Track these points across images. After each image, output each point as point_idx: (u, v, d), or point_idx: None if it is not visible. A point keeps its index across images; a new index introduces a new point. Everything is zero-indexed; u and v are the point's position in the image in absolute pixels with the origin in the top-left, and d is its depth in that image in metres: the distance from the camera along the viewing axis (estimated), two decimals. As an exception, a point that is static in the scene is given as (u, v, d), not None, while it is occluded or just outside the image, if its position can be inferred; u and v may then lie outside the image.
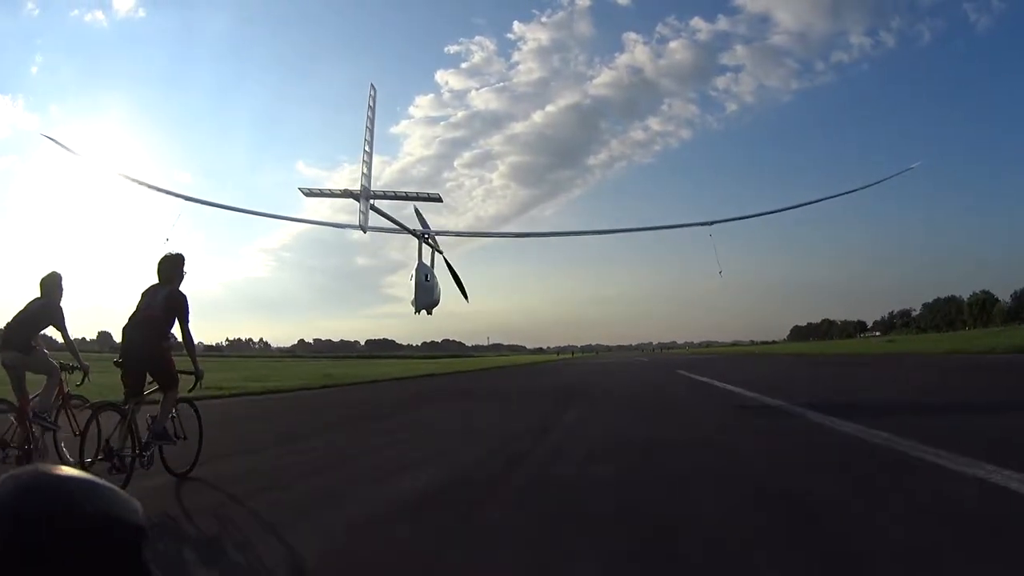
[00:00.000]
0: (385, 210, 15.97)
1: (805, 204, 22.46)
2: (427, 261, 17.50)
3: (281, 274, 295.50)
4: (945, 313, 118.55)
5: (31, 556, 0.56)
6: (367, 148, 15.51)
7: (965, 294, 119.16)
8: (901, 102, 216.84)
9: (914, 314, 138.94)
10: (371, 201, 14.96)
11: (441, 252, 17.94)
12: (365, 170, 15.16)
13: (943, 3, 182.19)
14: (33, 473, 0.60)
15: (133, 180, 18.87)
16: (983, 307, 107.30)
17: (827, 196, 22.02)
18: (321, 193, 16.57)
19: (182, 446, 5.53)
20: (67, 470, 0.63)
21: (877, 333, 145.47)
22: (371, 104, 16.18)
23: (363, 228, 14.91)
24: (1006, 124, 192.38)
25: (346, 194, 15.33)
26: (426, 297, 17.07)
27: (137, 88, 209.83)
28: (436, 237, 17.85)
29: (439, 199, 17.27)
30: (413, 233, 17.10)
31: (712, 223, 16.78)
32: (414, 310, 16.93)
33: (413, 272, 16.98)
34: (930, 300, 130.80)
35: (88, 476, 0.63)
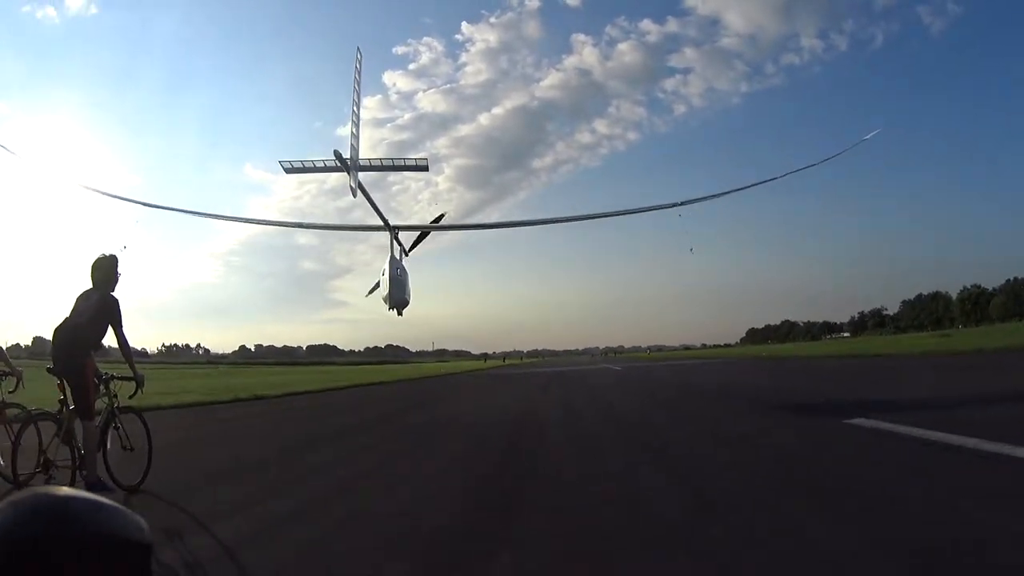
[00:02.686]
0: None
1: (771, 180, 18.84)
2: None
3: (229, 279, 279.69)
4: (931, 311, 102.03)
5: None
6: (355, 110, 14.87)
7: (921, 292, 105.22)
8: (853, 104, 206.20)
9: (885, 312, 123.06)
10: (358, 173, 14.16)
11: (407, 253, 16.55)
12: (354, 130, 14.51)
13: (897, 5, 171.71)
14: (35, 496, 0.57)
15: (92, 189, 19.38)
16: (976, 303, 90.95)
17: (791, 171, 19.07)
18: (304, 167, 15.36)
19: (130, 457, 4.83)
20: (68, 491, 0.59)
21: (846, 334, 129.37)
22: (358, 67, 15.47)
23: (354, 192, 13.91)
24: (959, 124, 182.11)
25: (336, 162, 14.02)
26: (399, 293, 15.38)
27: (87, 86, 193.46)
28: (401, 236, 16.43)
29: (426, 168, 17.13)
30: (387, 224, 15.75)
31: (681, 204, 15.26)
32: (387, 307, 15.43)
33: (386, 267, 15.41)
34: (908, 298, 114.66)
35: (91, 496, 0.59)
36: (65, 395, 4.59)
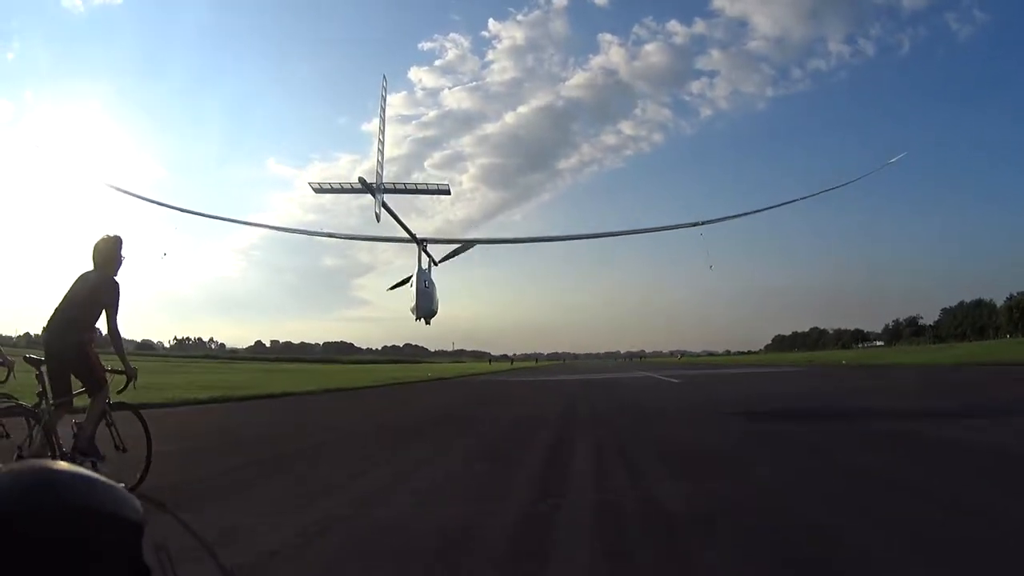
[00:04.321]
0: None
1: (793, 201, 19.20)
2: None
3: (249, 274, 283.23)
4: (973, 319, 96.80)
5: (30, 552, 0.52)
6: (381, 138, 15.18)
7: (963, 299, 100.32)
8: (880, 110, 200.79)
9: (921, 322, 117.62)
10: (383, 196, 14.60)
11: (436, 263, 16.42)
12: (380, 158, 14.84)
13: (924, 12, 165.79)
14: (31, 468, 0.57)
15: (128, 193, 17.94)
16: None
17: (814, 192, 20.37)
18: (332, 188, 16.00)
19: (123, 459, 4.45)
20: (64, 465, 0.59)
21: (879, 343, 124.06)
22: (383, 94, 15.88)
23: (378, 218, 14.35)
24: (988, 131, 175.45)
25: (361, 186, 14.51)
26: (427, 304, 15.52)
27: (111, 77, 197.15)
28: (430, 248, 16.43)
29: (448, 192, 17.38)
30: (414, 238, 15.82)
31: (703, 223, 15.14)
32: (415, 317, 15.46)
33: (413, 278, 15.52)
34: (946, 305, 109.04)
35: (86, 472, 0.59)
36: (44, 387, 4.26)
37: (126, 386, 4.61)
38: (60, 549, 0.52)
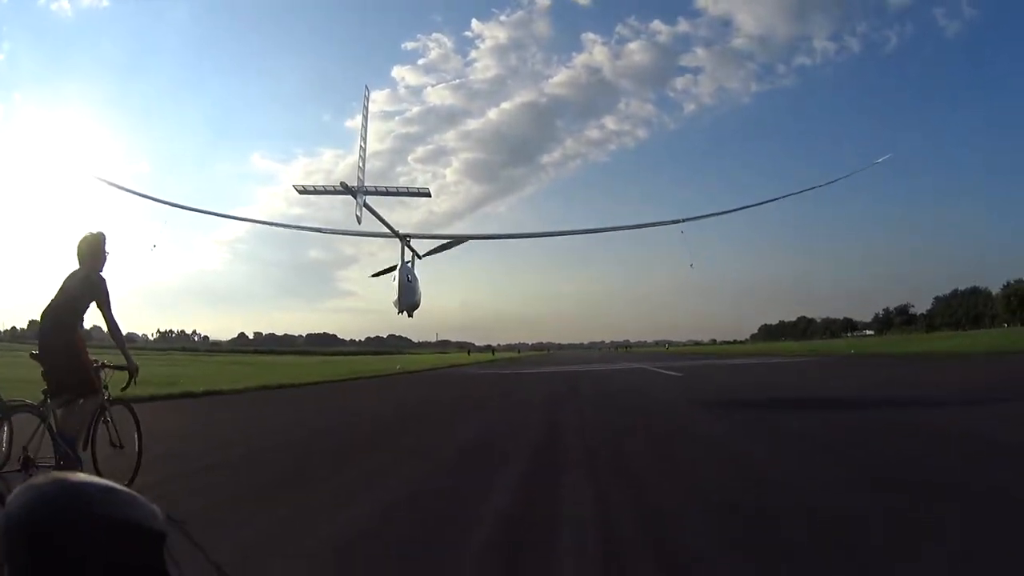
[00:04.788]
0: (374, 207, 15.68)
1: (776, 199, 19.55)
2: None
3: (235, 266, 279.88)
4: (968, 307, 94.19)
5: (54, 565, 0.53)
6: (363, 145, 15.74)
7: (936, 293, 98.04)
8: (864, 105, 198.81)
9: (912, 310, 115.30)
10: (364, 197, 14.97)
11: (420, 257, 16.92)
12: (361, 164, 15.37)
13: (912, 8, 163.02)
14: (52, 481, 0.58)
15: (117, 186, 18.39)
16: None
17: (798, 190, 20.27)
18: (315, 190, 16.49)
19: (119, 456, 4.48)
20: (85, 477, 0.60)
21: (870, 332, 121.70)
22: (365, 104, 16.43)
23: (359, 220, 14.78)
24: (967, 129, 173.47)
25: (342, 190, 14.98)
26: (409, 297, 16.02)
27: (98, 77, 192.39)
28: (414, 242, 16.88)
29: (428, 194, 17.96)
30: (396, 234, 16.35)
31: (683, 220, 15.13)
32: (397, 310, 15.86)
33: (396, 273, 16.00)
34: (937, 294, 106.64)
35: (107, 482, 0.60)
36: (50, 385, 4.19)
37: (128, 383, 4.53)
38: (83, 560, 0.52)
